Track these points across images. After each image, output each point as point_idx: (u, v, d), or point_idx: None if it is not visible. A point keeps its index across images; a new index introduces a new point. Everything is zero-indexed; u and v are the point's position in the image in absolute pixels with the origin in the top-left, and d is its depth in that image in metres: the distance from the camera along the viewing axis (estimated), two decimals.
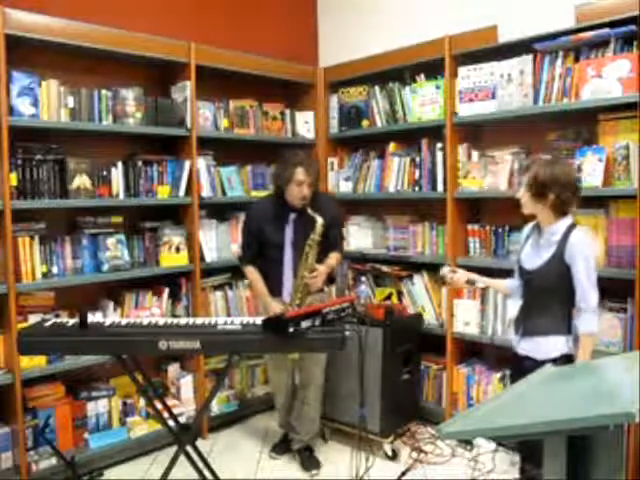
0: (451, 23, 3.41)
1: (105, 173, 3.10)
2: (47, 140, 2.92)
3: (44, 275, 2.89)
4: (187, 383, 3.45)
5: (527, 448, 2.46)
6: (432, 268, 3.50)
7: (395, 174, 3.67)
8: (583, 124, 2.90)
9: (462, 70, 3.26)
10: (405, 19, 3.83)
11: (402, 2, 3.88)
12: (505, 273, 2.76)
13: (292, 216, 3.00)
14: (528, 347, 2.42)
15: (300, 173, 2.88)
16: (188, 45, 3.31)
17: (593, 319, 2.28)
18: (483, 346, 3.44)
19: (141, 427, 3.23)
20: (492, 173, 3.23)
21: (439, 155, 3.41)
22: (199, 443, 2.66)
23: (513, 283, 2.59)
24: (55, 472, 2.89)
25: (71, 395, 3.07)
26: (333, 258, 3.05)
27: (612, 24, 2.68)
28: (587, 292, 2.27)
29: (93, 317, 2.81)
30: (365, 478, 2.88)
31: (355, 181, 3.93)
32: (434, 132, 3.42)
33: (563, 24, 2.81)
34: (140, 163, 3.22)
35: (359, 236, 3.96)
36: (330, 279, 3.22)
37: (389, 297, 3.72)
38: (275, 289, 3.03)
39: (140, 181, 3.22)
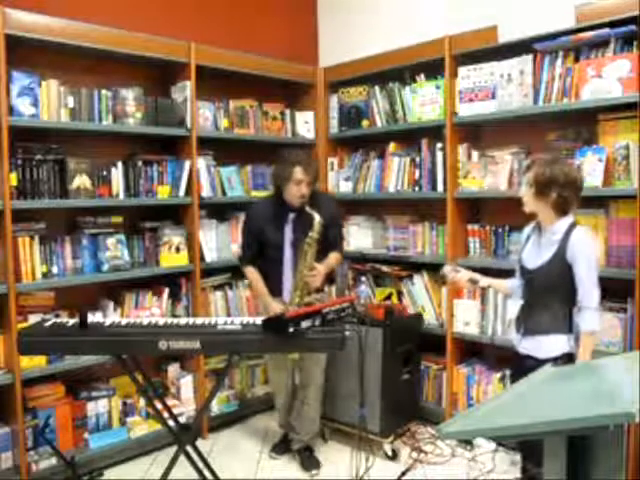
0: (451, 23, 3.41)
1: (105, 173, 3.10)
2: (47, 140, 2.92)
3: (44, 275, 2.89)
4: (187, 383, 3.45)
5: (528, 447, 2.46)
6: (432, 268, 3.50)
7: (395, 174, 3.67)
8: (583, 124, 2.90)
9: (462, 70, 3.26)
10: (405, 19, 3.83)
11: (402, 2, 3.88)
12: (505, 273, 2.76)
13: (291, 216, 3.00)
14: (529, 346, 2.42)
15: (299, 172, 2.88)
16: (188, 45, 3.31)
17: (594, 317, 2.28)
18: (483, 346, 3.44)
19: (141, 427, 3.23)
20: (492, 173, 3.23)
21: (439, 155, 3.41)
22: (199, 443, 2.65)
23: (514, 283, 2.60)
24: (55, 472, 2.89)
25: (71, 395, 3.07)
26: (333, 258, 3.05)
27: (612, 24, 2.68)
28: (588, 290, 2.27)
29: (93, 317, 2.81)
30: (365, 478, 2.88)
31: (355, 181, 3.93)
32: (434, 132, 3.42)
33: (563, 24, 2.81)
34: (140, 163, 3.22)
35: (359, 236, 3.96)
36: (330, 279, 3.22)
37: (389, 297, 3.72)
38: (275, 289, 3.03)
39: (140, 181, 3.22)
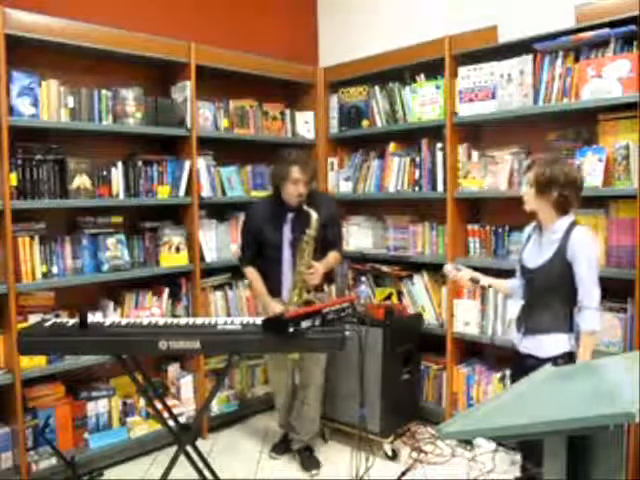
0: (451, 23, 3.41)
1: (105, 173, 3.10)
2: (47, 140, 2.92)
3: (44, 275, 2.88)
4: (187, 383, 3.45)
5: (528, 447, 2.46)
6: (432, 268, 3.51)
7: (395, 174, 3.67)
8: (583, 124, 2.90)
9: (462, 70, 3.26)
10: (405, 19, 3.83)
11: (402, 2, 3.88)
12: (505, 273, 2.77)
13: (290, 216, 3.00)
14: (530, 345, 2.43)
15: (295, 171, 2.89)
16: (188, 45, 3.31)
17: (595, 317, 2.28)
18: (483, 346, 3.44)
19: (141, 427, 3.23)
20: (492, 173, 3.23)
21: (439, 155, 3.41)
22: (199, 443, 2.65)
23: (514, 283, 2.60)
24: (55, 472, 2.89)
25: (71, 395, 3.07)
26: (331, 257, 3.05)
27: (612, 24, 2.68)
28: (589, 290, 2.27)
29: (93, 317, 2.82)
30: (365, 478, 2.88)
31: (355, 181, 3.93)
32: (434, 132, 3.42)
33: (563, 24, 2.81)
34: (140, 163, 3.22)
35: (359, 236, 3.96)
36: (329, 279, 3.22)
37: (389, 297, 3.72)
38: (274, 289, 3.03)
39: (140, 181, 3.22)
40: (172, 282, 3.41)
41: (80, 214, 3.07)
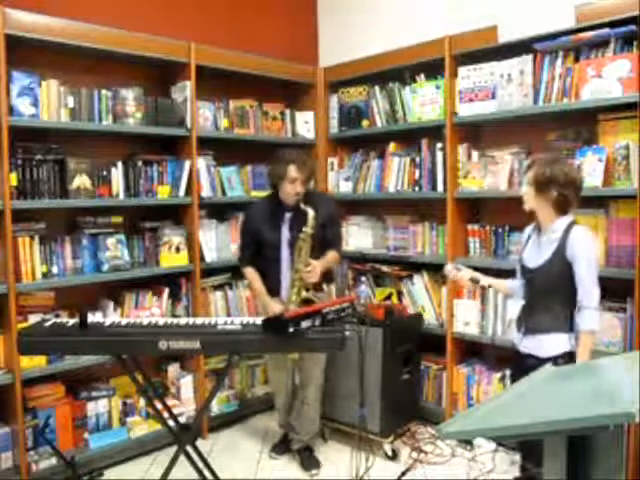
0: (451, 23, 3.41)
1: (105, 173, 3.10)
2: (47, 140, 2.92)
3: (44, 275, 2.88)
4: (187, 383, 3.45)
5: (528, 447, 2.46)
6: (432, 268, 3.51)
7: (395, 174, 3.66)
8: (583, 124, 2.90)
9: (462, 70, 3.26)
10: (405, 19, 3.83)
11: (402, 2, 3.88)
12: (505, 273, 2.77)
13: (288, 215, 3.00)
14: (531, 345, 2.43)
15: (292, 170, 2.89)
16: (188, 45, 3.31)
17: (594, 317, 2.28)
18: (483, 346, 3.44)
19: (141, 427, 3.23)
20: (492, 173, 3.23)
21: (439, 155, 3.41)
22: (199, 443, 2.65)
23: (514, 283, 2.60)
24: (55, 472, 2.89)
25: (71, 395, 3.07)
26: (330, 256, 3.04)
27: (612, 24, 2.68)
28: (588, 289, 2.28)
29: (93, 317, 2.82)
30: (365, 478, 2.88)
31: (355, 181, 3.93)
32: (434, 132, 3.42)
33: (563, 24, 2.81)
34: (140, 163, 3.22)
35: (359, 236, 3.96)
36: (329, 279, 3.22)
37: (389, 297, 3.72)
38: (274, 288, 3.03)
39: (140, 181, 3.22)
40: (172, 282, 3.41)
41: (80, 214, 3.07)
